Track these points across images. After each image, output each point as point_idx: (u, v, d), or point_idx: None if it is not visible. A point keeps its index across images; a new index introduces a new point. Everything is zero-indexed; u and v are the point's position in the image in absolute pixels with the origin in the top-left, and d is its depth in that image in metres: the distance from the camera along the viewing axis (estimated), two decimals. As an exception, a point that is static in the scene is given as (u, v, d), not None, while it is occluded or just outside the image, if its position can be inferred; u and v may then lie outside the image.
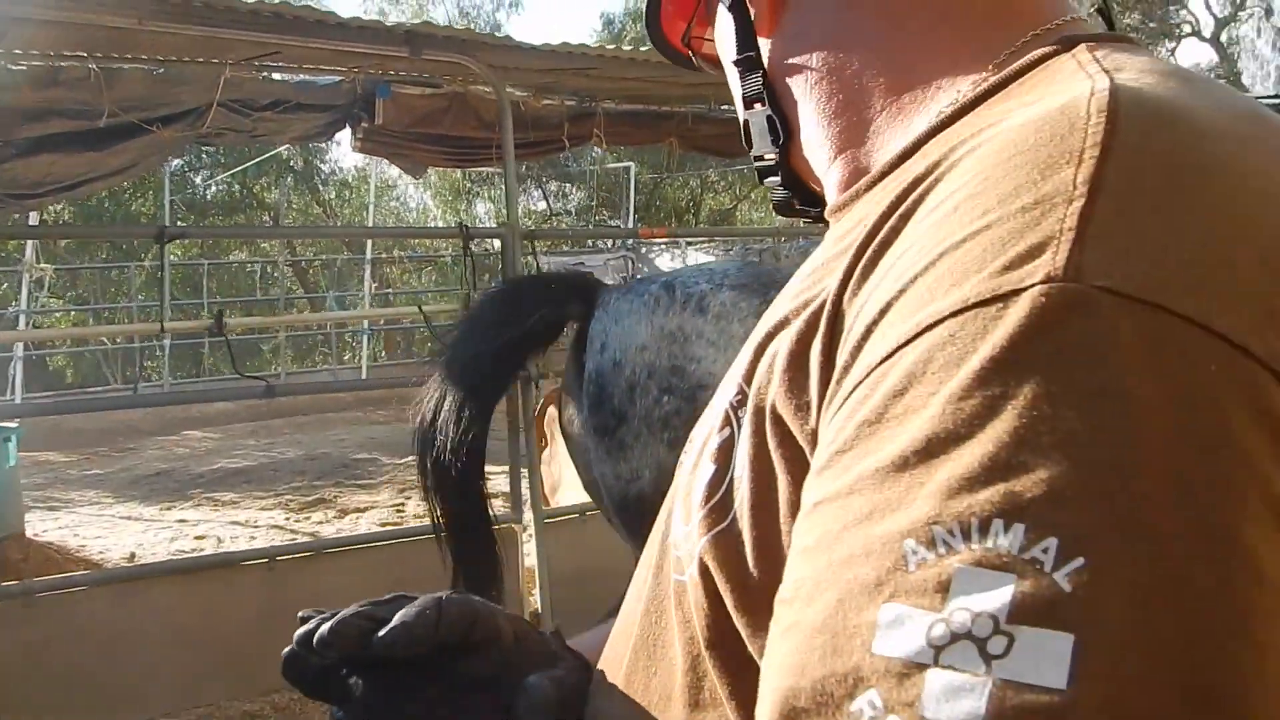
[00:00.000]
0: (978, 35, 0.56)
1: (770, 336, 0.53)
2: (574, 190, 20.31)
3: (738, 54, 0.64)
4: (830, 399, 0.45)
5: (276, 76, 6.47)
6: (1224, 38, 31.98)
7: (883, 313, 0.43)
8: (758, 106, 0.64)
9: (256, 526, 6.57)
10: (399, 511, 6.79)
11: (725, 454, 0.53)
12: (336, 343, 15.72)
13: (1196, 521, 0.33)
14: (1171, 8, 25.47)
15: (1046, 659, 0.32)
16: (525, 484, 4.30)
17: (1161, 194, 0.40)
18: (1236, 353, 0.36)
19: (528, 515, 4.31)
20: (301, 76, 6.34)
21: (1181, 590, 0.32)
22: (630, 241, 13.34)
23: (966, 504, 0.35)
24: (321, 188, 20.26)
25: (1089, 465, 0.34)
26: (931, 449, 0.37)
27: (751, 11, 0.63)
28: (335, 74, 6.10)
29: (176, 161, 14.15)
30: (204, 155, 17.54)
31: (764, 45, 0.64)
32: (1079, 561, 0.33)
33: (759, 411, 0.51)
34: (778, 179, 0.66)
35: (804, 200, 0.67)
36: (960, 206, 0.43)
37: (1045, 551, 0.33)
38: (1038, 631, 0.32)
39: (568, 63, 4.74)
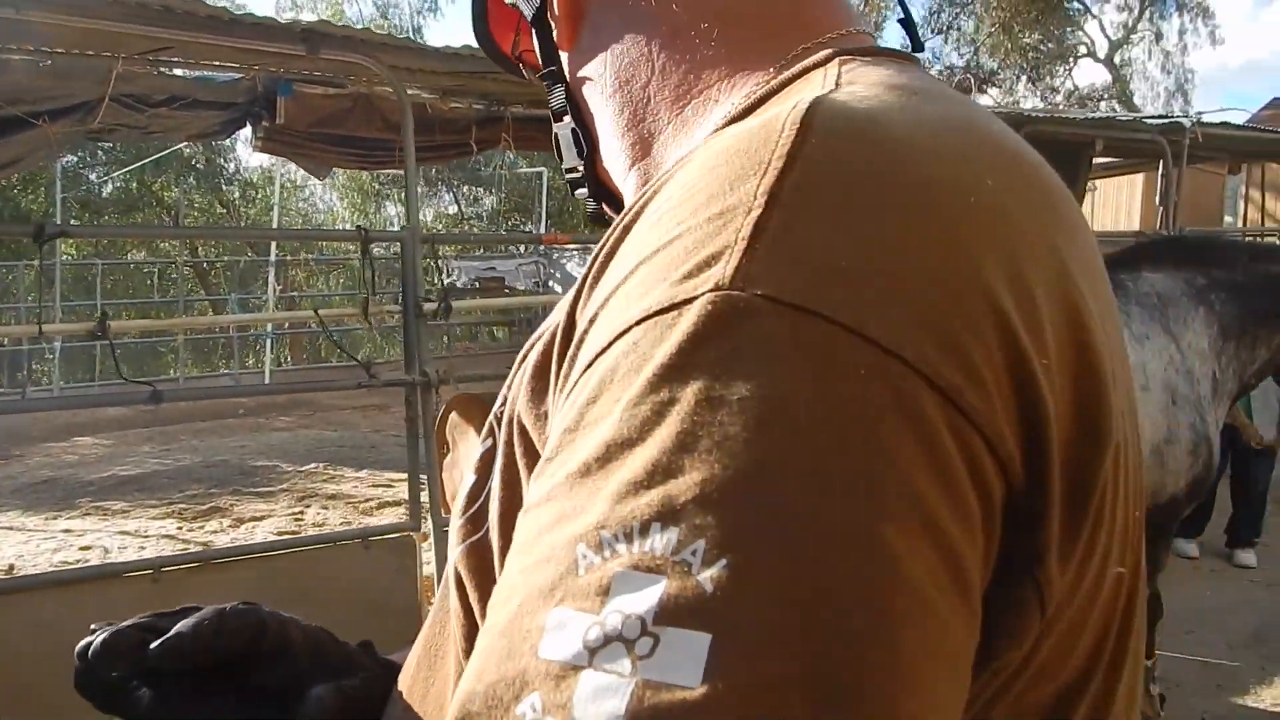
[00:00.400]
0: (759, 46, 0.57)
1: (531, 347, 0.54)
2: (486, 195, 20.14)
3: (543, 68, 0.65)
4: (555, 408, 0.46)
5: (177, 72, 6.28)
6: (1117, 59, 33.32)
7: (592, 322, 0.44)
8: (565, 119, 0.65)
9: (146, 536, 6.34)
10: (297, 520, 6.64)
11: (486, 464, 0.54)
12: (239, 347, 15.30)
13: (840, 524, 0.34)
14: (1068, 29, 26.45)
15: (685, 659, 0.32)
16: (425, 492, 4.24)
17: (834, 204, 0.41)
18: (889, 358, 0.37)
19: (427, 524, 4.25)
20: (200, 72, 6.17)
21: (819, 591, 0.33)
22: (543, 247, 13.28)
23: (630, 508, 0.36)
24: (225, 187, 19.70)
25: (739, 468, 0.35)
26: (610, 454, 0.38)
27: (552, 26, 0.63)
28: (233, 71, 5.94)
29: (70, 157, 13.60)
30: (100, 151, 16.91)
31: (565, 59, 0.64)
32: (722, 563, 0.33)
33: (509, 422, 0.51)
34: (586, 191, 0.67)
35: (616, 211, 0.68)
36: (663, 217, 0.44)
37: (694, 554, 0.34)
38: (679, 632, 0.33)
39: (471, 66, 4.69)
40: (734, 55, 0.57)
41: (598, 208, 0.68)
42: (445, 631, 0.57)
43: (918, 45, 0.63)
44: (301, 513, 6.79)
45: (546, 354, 0.50)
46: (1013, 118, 7.02)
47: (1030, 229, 0.46)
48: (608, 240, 0.49)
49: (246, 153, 19.88)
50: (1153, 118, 8.38)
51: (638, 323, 0.40)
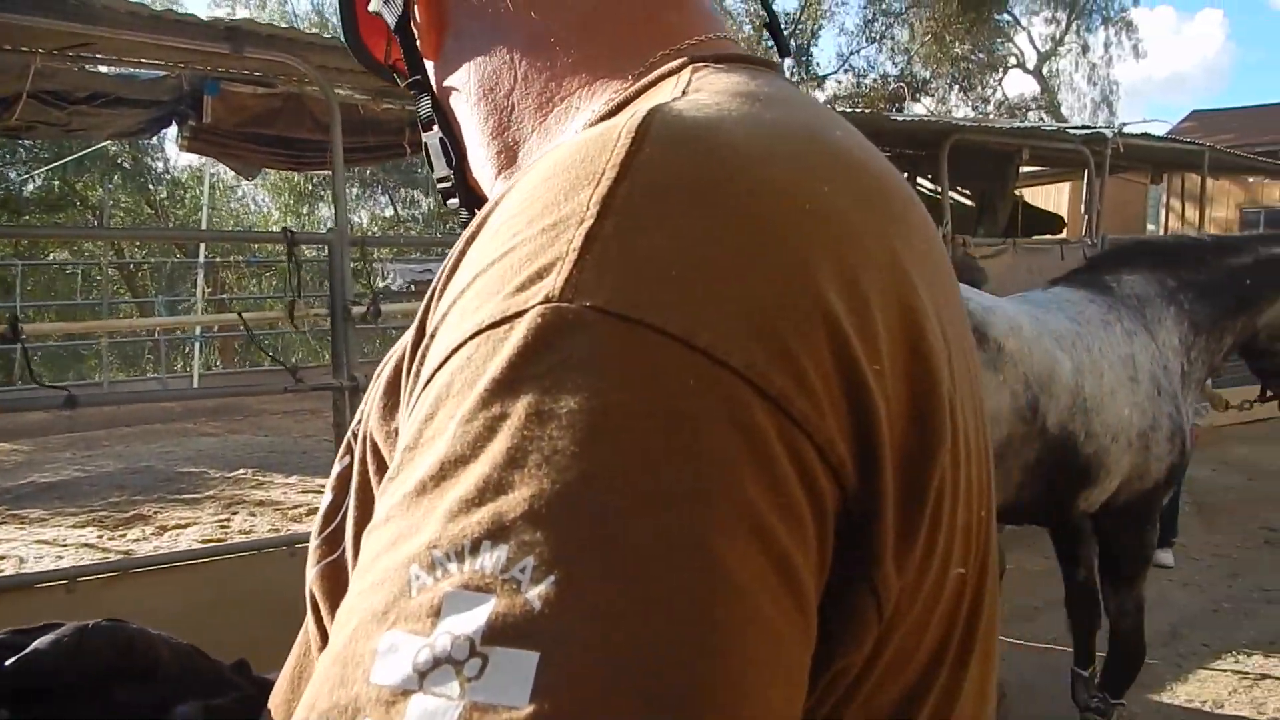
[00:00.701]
0: (619, 54, 0.57)
1: (387, 361, 0.53)
2: (423, 197, 19.95)
3: (409, 77, 0.64)
4: (404, 424, 0.45)
5: (101, 69, 6.12)
6: (1045, 71, 34.18)
7: (433, 337, 0.44)
8: (434, 129, 0.64)
9: (65, 545, 6.14)
10: (223, 527, 6.49)
11: (343, 482, 0.53)
12: (167, 350, 14.92)
13: (668, 535, 0.34)
14: (998, 41, 27.08)
15: (513, 678, 0.32)
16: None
17: (666, 212, 0.41)
18: (718, 368, 0.37)
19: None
20: (124, 70, 6.02)
21: (649, 603, 0.33)
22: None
23: (462, 527, 0.35)
24: (152, 187, 19.22)
25: (568, 483, 0.35)
26: (444, 472, 0.37)
27: (416, 35, 0.63)
28: (158, 68, 5.81)
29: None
30: (21, 149, 16.39)
31: (431, 68, 0.63)
32: (550, 579, 0.33)
33: (364, 439, 0.50)
34: (458, 200, 0.67)
35: None
36: (500, 229, 0.44)
37: (523, 571, 0.34)
38: (507, 651, 0.32)
39: (402, 67, 4.64)
40: (594, 63, 0.57)
41: (469, 217, 0.68)
42: (311, 654, 0.56)
43: (784, 50, 0.64)
44: (228, 520, 6.64)
45: (398, 369, 0.49)
46: (941, 127, 7.16)
47: (867, 234, 0.46)
48: (455, 251, 0.48)
49: (175, 152, 19.46)
50: (1076, 128, 8.61)
51: (471, 337, 0.40)
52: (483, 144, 0.61)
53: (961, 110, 25.63)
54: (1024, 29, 36.20)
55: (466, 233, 0.48)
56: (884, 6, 23.67)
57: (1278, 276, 3.66)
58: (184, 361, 15.09)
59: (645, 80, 0.53)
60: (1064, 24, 36.32)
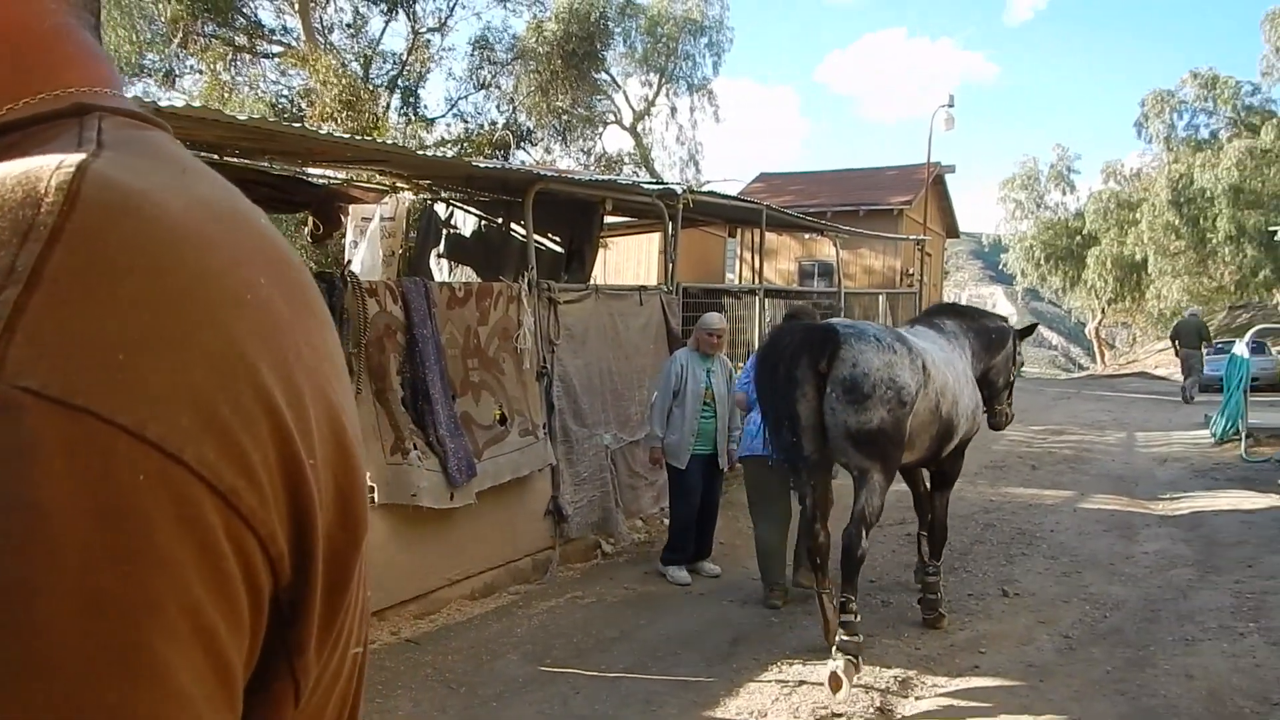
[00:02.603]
0: None
1: None
2: None
3: None
4: None
5: None
6: (640, 128, 36.90)
7: None
8: None
9: None
10: None
11: None
12: None
13: (107, 640, 0.33)
14: (597, 97, 28.76)
15: None
16: None
17: (110, 289, 0.37)
18: (170, 462, 0.36)
19: None
20: None
21: (84, 713, 0.32)
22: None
23: None
24: None
25: None
26: None
27: None
28: None
29: None
30: None
31: None
32: None
33: None
34: None
35: None
36: None
37: None
38: None
39: None
40: None
41: None
42: None
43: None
44: None
45: None
46: (526, 176, 7.37)
47: (295, 328, 0.46)
48: None
49: None
50: (650, 184, 9.27)
51: None
52: None
53: (564, 161, 26.87)
54: (620, 88, 38.99)
55: None
56: (491, 56, 24.26)
57: (998, 340, 6.20)
58: None
59: (20, 115, 0.48)
60: (655, 87, 39.61)
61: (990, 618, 5.85)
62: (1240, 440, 12.69)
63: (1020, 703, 4.53)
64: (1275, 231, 12.89)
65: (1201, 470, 11.45)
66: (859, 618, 4.88)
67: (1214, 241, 37.74)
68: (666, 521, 7.26)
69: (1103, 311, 49.89)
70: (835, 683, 4.51)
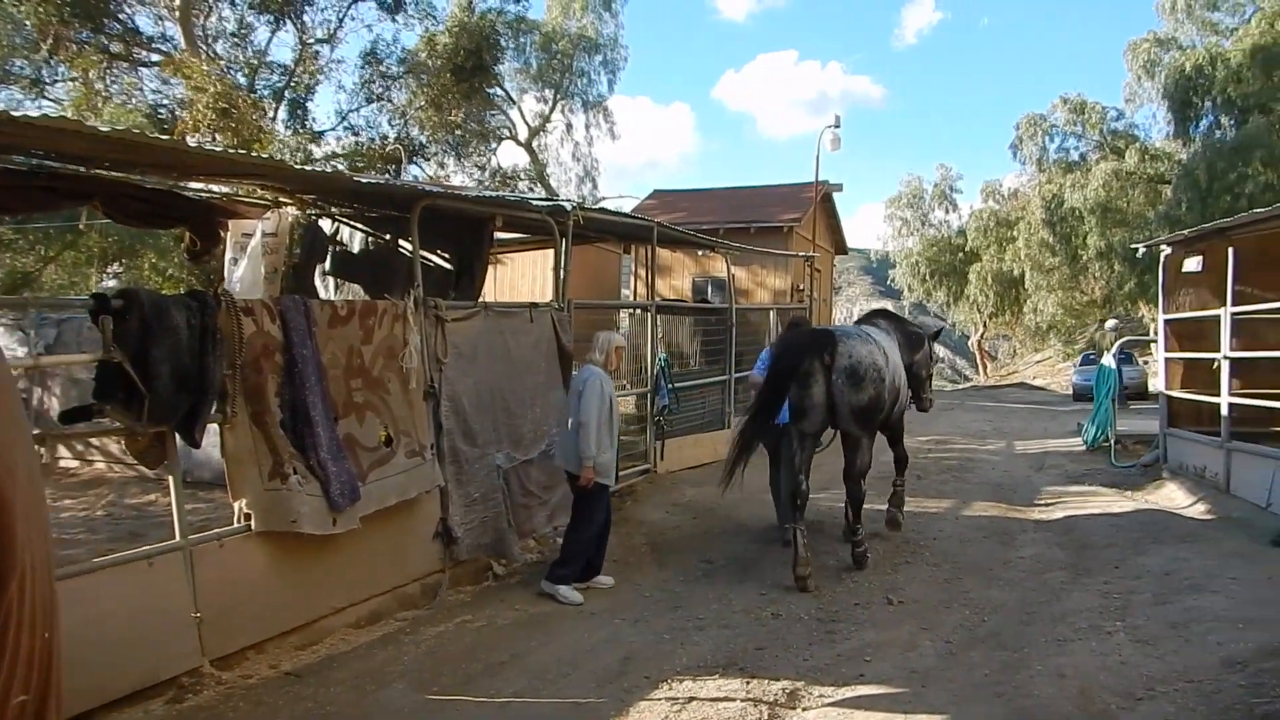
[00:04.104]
0: None
1: None
2: None
3: None
4: None
5: None
6: (536, 145, 36.80)
7: None
8: None
9: None
10: None
11: None
12: None
13: None
14: (491, 112, 28.61)
15: None
16: None
17: None
18: None
19: None
20: None
21: None
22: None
23: None
24: None
25: None
26: None
27: None
28: None
29: None
30: None
31: None
32: None
33: None
34: None
35: None
36: None
37: None
38: None
39: None
40: None
41: None
42: None
43: None
44: None
45: None
46: (411, 191, 7.25)
47: None
48: None
49: None
50: (540, 200, 9.21)
51: None
52: None
53: (459, 177, 26.60)
54: (516, 104, 38.80)
55: None
56: (382, 69, 23.87)
57: (917, 340, 8.49)
58: None
59: None
60: (551, 103, 39.57)
61: (876, 626, 5.96)
62: (1110, 446, 13.30)
63: (903, 708, 4.63)
64: (1137, 249, 13.57)
65: (1074, 476, 11.95)
66: (860, 538, 7.48)
67: (1085, 258, 39.55)
68: (560, 540, 7.22)
69: (985, 325, 51.78)
70: (811, 581, 6.77)
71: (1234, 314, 10.13)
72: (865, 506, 7.64)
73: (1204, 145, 33.23)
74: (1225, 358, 10.20)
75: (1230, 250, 10.20)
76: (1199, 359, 11.22)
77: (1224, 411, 10.09)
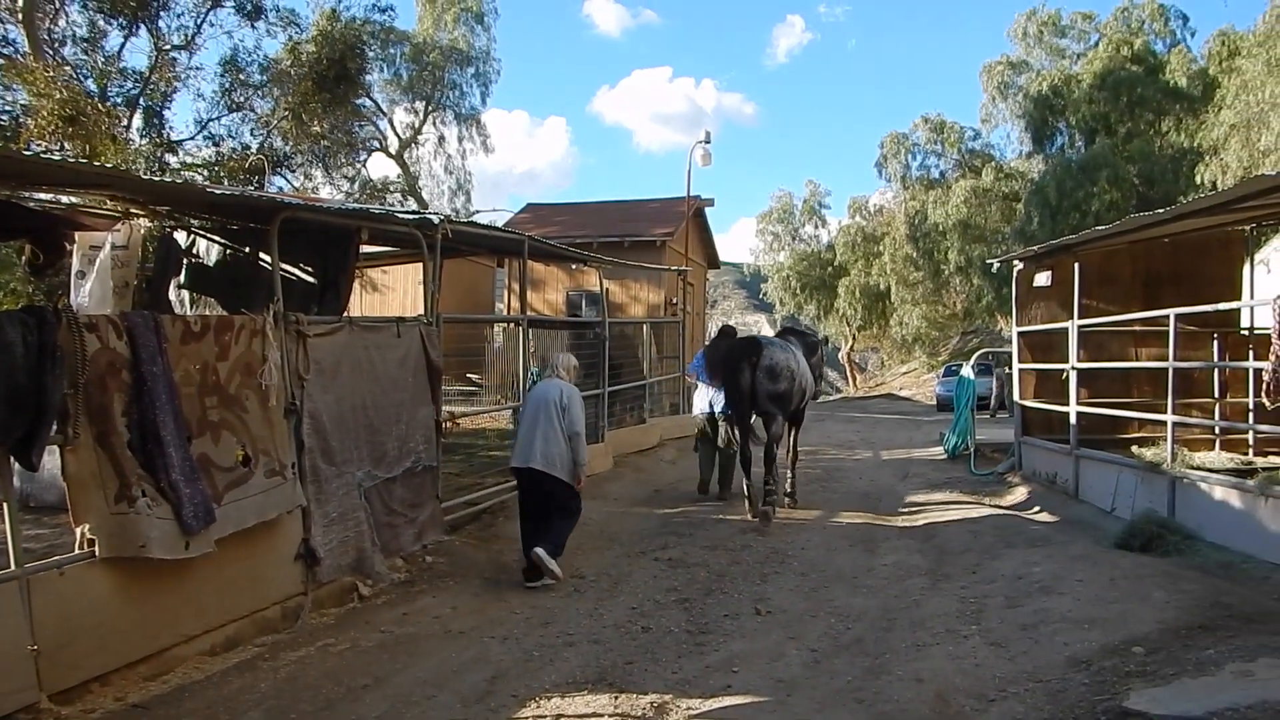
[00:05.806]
0: None
1: None
2: None
3: None
4: None
5: None
6: (408, 157, 36.24)
7: None
8: None
9: None
10: None
11: None
12: None
13: None
14: (358, 123, 27.99)
15: None
16: None
17: None
18: None
19: None
20: None
21: None
22: None
23: None
24: None
25: None
26: None
27: None
28: None
29: None
30: None
31: None
32: None
33: None
34: None
35: None
36: None
37: None
38: None
39: None
40: None
41: None
42: None
43: None
44: None
45: None
46: (270, 203, 7.02)
47: None
48: None
49: None
50: (406, 213, 9.06)
51: None
52: None
53: (326, 189, 25.92)
54: (386, 115, 38.08)
55: None
56: (243, 77, 23.08)
57: (812, 346, 11.74)
58: None
59: None
60: (422, 115, 39.00)
61: (744, 636, 6.04)
62: (970, 454, 13.87)
63: (768, 717, 4.69)
64: (992, 264, 14.23)
65: (936, 484, 12.41)
66: (774, 488, 10.06)
67: (946, 272, 41.28)
68: (430, 560, 7.03)
69: (854, 337, 53.37)
70: (765, 519, 9.59)
71: (1080, 326, 10.72)
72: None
73: (1055, 164, 35.17)
74: (1073, 368, 10.77)
75: (1076, 265, 10.81)
76: (1050, 370, 11.83)
77: (1072, 420, 10.65)
